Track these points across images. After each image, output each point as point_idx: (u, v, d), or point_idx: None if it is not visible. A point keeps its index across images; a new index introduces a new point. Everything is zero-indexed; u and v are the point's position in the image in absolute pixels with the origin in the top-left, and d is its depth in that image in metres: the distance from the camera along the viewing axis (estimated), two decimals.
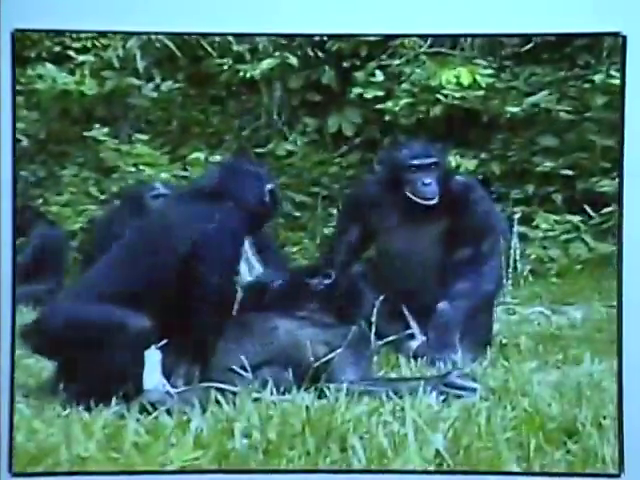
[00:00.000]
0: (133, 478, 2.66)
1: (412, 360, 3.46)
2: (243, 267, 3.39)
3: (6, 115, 2.91)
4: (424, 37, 4.23)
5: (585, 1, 2.90)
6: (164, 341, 3.00)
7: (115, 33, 3.93)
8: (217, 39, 4.37)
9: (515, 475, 2.66)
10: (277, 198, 3.44)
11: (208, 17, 2.94)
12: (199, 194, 3.29)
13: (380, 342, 3.47)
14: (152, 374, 2.97)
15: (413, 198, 3.67)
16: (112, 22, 2.95)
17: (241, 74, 4.43)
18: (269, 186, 3.38)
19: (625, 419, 2.83)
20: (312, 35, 3.97)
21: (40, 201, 4.34)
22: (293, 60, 4.42)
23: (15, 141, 2.93)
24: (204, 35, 4.06)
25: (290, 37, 4.17)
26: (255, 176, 3.40)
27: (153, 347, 2.97)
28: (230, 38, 4.36)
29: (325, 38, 4.32)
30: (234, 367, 3.04)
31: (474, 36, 4.11)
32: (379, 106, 4.42)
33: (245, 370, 3.03)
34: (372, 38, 4.32)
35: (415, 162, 3.68)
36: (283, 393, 2.98)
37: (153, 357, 2.99)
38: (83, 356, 2.96)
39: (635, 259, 2.87)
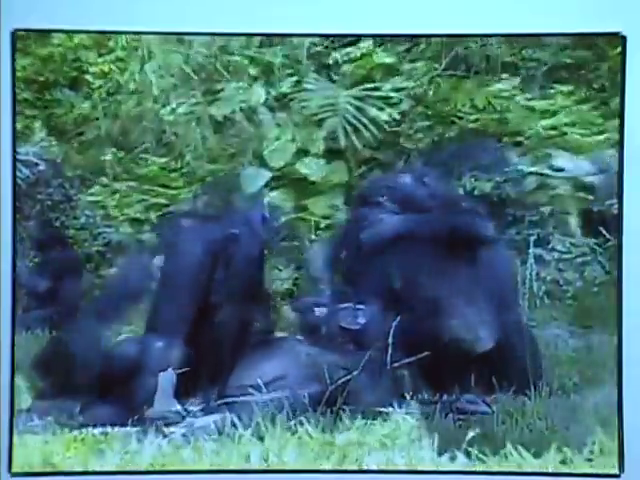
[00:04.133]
0: (132, 478, 2.66)
1: None
2: None
3: (6, 116, 2.91)
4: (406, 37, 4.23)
5: (585, 1, 2.90)
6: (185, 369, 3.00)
7: (115, 33, 3.96)
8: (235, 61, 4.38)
9: (513, 475, 2.64)
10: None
11: (207, 17, 2.95)
12: (205, 219, 3.27)
13: (396, 364, 3.46)
14: (165, 395, 2.97)
15: None
16: (113, 22, 2.97)
17: None
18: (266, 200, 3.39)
19: (625, 419, 2.81)
20: (316, 35, 3.99)
21: (57, 224, 4.36)
22: None
23: (15, 158, 2.92)
24: (201, 34, 4.07)
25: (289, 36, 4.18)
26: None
27: (169, 369, 2.97)
28: (246, 61, 4.38)
29: (340, 61, 4.34)
30: (250, 390, 3.04)
31: (468, 36, 4.11)
32: (394, 129, 4.43)
33: (260, 391, 3.02)
34: (387, 60, 4.33)
35: None
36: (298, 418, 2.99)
37: (167, 378, 2.98)
38: (104, 385, 2.96)
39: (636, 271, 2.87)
